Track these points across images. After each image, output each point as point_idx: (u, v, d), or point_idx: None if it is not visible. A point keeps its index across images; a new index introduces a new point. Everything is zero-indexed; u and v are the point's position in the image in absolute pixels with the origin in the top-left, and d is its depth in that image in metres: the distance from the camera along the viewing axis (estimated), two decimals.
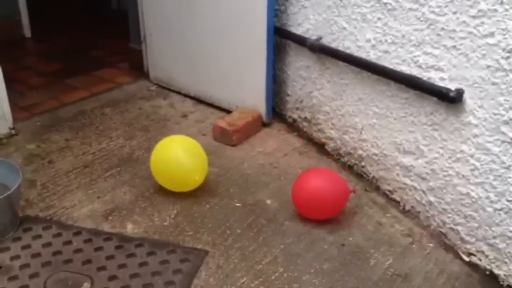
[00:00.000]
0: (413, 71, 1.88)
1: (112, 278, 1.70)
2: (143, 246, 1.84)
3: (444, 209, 1.89)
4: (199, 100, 2.92)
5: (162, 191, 2.14)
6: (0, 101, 2.42)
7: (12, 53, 3.53)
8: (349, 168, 2.32)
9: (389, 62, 1.97)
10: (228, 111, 2.74)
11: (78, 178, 2.22)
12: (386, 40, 1.96)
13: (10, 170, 1.92)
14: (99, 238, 1.87)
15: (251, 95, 2.64)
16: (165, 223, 1.96)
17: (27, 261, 1.75)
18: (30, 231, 1.89)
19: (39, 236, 1.86)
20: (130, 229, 1.93)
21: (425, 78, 1.83)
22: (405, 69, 1.91)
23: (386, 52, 1.97)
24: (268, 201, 2.11)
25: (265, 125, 2.66)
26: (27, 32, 3.98)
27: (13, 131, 2.53)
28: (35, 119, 2.71)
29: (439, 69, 1.78)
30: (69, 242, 1.84)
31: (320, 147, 2.48)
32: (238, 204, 2.08)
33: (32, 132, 2.58)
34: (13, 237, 1.86)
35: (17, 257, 1.77)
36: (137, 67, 3.26)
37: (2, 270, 1.72)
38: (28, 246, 1.82)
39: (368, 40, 2.04)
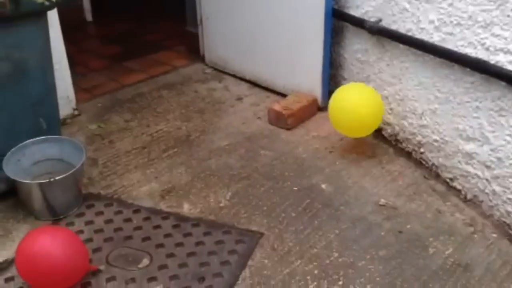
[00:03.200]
0: (480, 54, 1.79)
1: (170, 255, 1.74)
2: (199, 226, 1.87)
3: (509, 198, 1.80)
4: (254, 84, 2.92)
5: (218, 173, 2.17)
6: (64, 83, 2.51)
7: (75, 36, 3.65)
8: (407, 154, 2.26)
9: (453, 45, 1.89)
10: (283, 95, 2.73)
11: (137, 158, 2.29)
12: (451, 22, 1.88)
13: (74, 149, 2.00)
14: (157, 217, 1.92)
15: (307, 79, 2.61)
16: (221, 205, 1.99)
17: (90, 235, 1.83)
18: (93, 208, 1.97)
19: (101, 213, 1.94)
20: (186, 209, 1.97)
21: (492, 62, 1.75)
22: (471, 52, 1.82)
23: (450, 34, 1.89)
24: (323, 186, 2.09)
25: (320, 109, 2.63)
26: (88, 16, 4.10)
27: (76, 112, 2.63)
28: (96, 100, 2.80)
29: (509, 52, 1.68)
30: (129, 220, 1.90)
31: (377, 132, 2.42)
32: (293, 188, 2.08)
33: (94, 113, 2.67)
34: (77, 213, 1.94)
35: (81, 231, 1.85)
36: (193, 50, 3.29)
37: None
38: (91, 222, 1.89)
39: (432, 22, 1.96)
